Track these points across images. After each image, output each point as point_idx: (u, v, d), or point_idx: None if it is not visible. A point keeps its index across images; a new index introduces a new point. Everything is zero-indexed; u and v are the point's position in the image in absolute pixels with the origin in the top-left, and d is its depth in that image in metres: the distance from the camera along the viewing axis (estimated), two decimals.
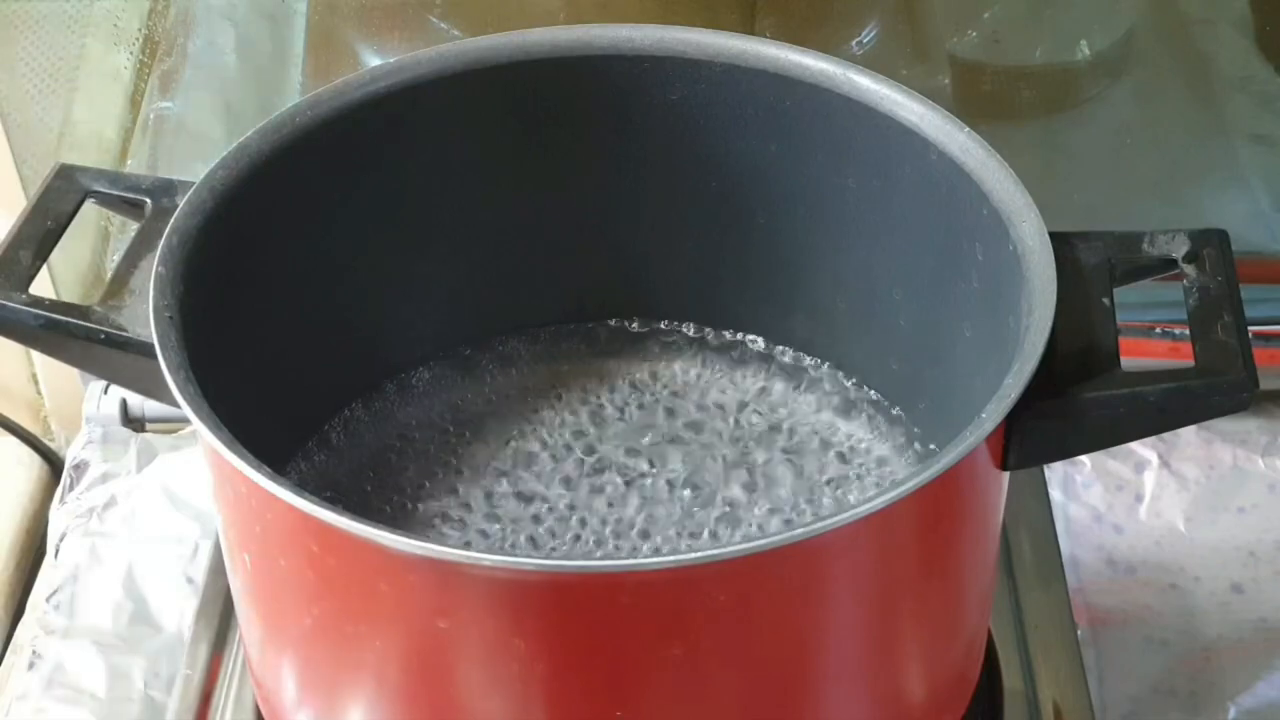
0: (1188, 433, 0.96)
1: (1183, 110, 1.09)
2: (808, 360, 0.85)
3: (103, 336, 0.69)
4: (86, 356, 0.70)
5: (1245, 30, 1.09)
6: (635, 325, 0.87)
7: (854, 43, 1.06)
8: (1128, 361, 0.66)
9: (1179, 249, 0.70)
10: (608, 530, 0.78)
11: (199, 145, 1.04)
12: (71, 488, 0.96)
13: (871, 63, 0.76)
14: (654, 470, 0.81)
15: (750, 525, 0.78)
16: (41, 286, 0.72)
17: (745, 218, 0.81)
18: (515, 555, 0.60)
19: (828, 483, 0.80)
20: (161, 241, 0.69)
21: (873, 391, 0.84)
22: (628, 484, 0.80)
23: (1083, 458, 0.95)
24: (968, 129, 0.72)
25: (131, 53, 1.03)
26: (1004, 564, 0.87)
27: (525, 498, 0.80)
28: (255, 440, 0.62)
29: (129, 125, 1.03)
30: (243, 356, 0.70)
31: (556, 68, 0.78)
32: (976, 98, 1.07)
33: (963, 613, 0.71)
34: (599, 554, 0.77)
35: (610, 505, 0.79)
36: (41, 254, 0.72)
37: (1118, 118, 1.08)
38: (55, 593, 0.90)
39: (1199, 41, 1.10)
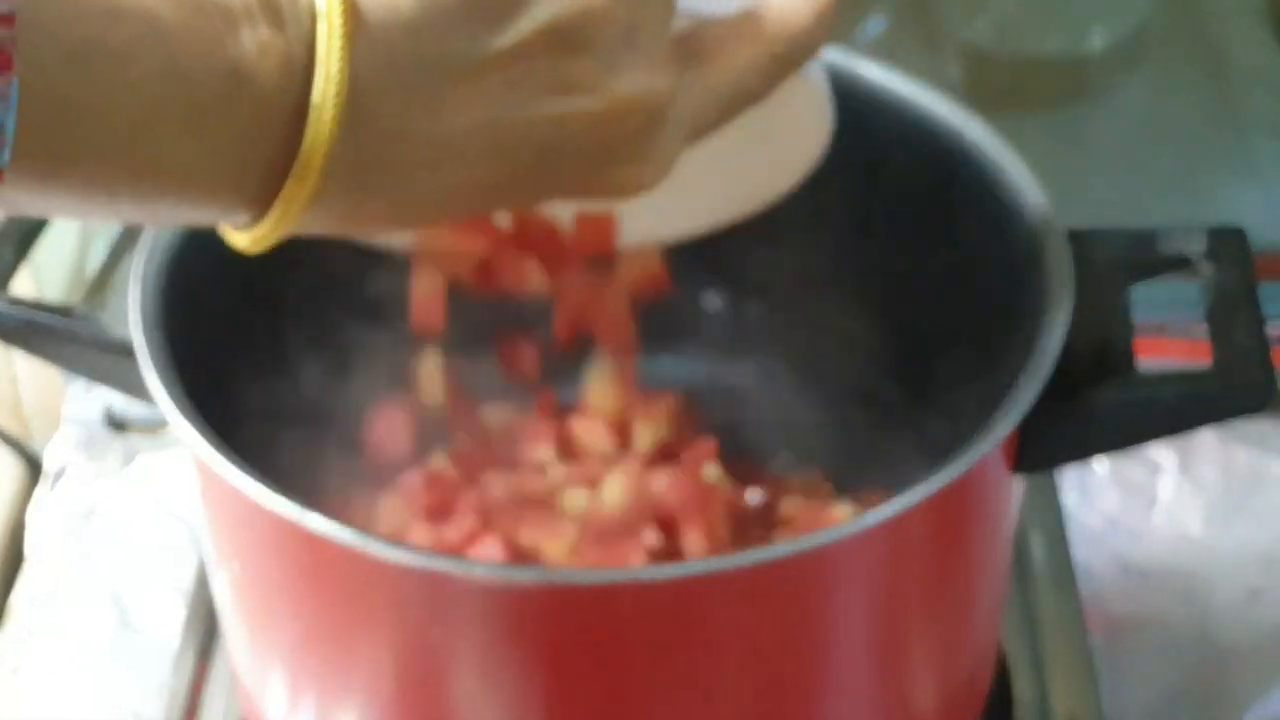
0: (1204, 435, 0.95)
1: (1199, 102, 1.09)
2: None
3: (84, 336, 0.68)
4: (67, 356, 0.70)
5: (1263, 20, 1.09)
6: None
7: (861, 33, 1.06)
8: (1143, 362, 0.66)
9: (1195, 247, 0.69)
10: None
11: None
12: (52, 490, 0.95)
13: (880, 53, 0.76)
14: None
15: None
16: (24, 285, 0.71)
17: None
18: (510, 566, 0.60)
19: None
20: (145, 239, 0.68)
21: (882, 392, 0.82)
22: None
23: (1097, 461, 0.93)
24: (979, 121, 0.72)
25: None
26: (1016, 570, 0.86)
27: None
28: (241, 443, 0.61)
29: None
30: (226, 357, 0.70)
31: None
32: (987, 89, 1.08)
33: (974, 620, 0.70)
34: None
35: None
36: (22, 251, 0.72)
37: (1132, 109, 1.08)
38: (37, 599, 0.89)
39: (1215, 32, 1.10)
